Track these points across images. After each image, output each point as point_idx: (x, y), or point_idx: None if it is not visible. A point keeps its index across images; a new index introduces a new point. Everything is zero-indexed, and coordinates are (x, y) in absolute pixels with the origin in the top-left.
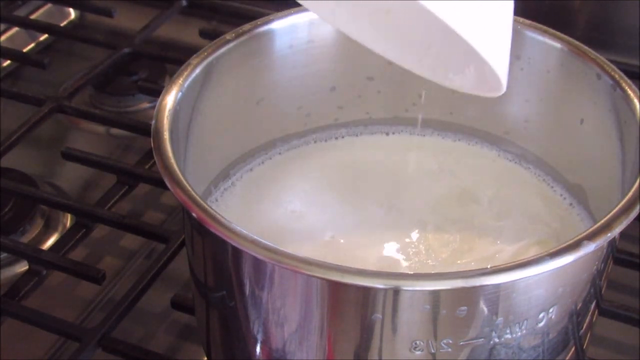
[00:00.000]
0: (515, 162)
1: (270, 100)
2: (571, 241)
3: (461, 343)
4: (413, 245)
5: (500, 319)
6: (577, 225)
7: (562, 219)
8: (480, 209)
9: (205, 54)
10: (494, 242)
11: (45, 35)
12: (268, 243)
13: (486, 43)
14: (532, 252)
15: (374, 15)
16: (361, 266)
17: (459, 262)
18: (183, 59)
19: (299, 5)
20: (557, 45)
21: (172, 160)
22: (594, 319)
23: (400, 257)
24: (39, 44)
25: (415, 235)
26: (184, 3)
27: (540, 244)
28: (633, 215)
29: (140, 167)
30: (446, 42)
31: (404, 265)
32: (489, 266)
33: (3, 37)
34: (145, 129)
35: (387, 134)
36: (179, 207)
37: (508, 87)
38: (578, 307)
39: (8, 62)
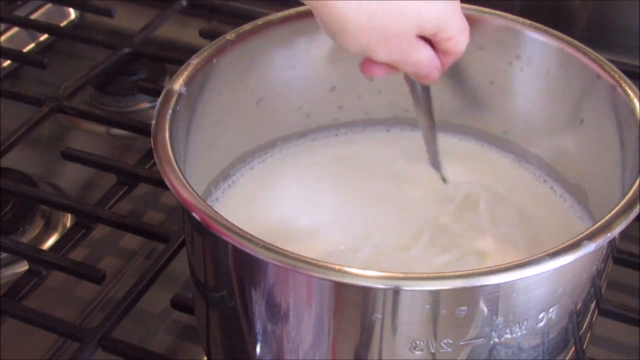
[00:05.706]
0: (515, 162)
1: (270, 100)
2: (571, 241)
3: (461, 343)
4: (380, 228)
5: (500, 319)
6: (577, 225)
7: (562, 219)
8: (474, 211)
9: (205, 54)
10: (460, 246)
11: (45, 35)
12: (268, 243)
13: None
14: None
15: None
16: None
17: (411, 251)
18: (183, 59)
19: (299, 5)
20: (557, 45)
21: (172, 160)
22: (594, 319)
23: (364, 234)
24: (39, 44)
25: (388, 221)
26: (184, 3)
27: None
28: (633, 215)
29: (140, 167)
30: None
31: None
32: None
33: (3, 37)
34: (145, 129)
35: (388, 130)
36: (179, 207)
37: (508, 86)
38: (578, 307)
39: (8, 62)
